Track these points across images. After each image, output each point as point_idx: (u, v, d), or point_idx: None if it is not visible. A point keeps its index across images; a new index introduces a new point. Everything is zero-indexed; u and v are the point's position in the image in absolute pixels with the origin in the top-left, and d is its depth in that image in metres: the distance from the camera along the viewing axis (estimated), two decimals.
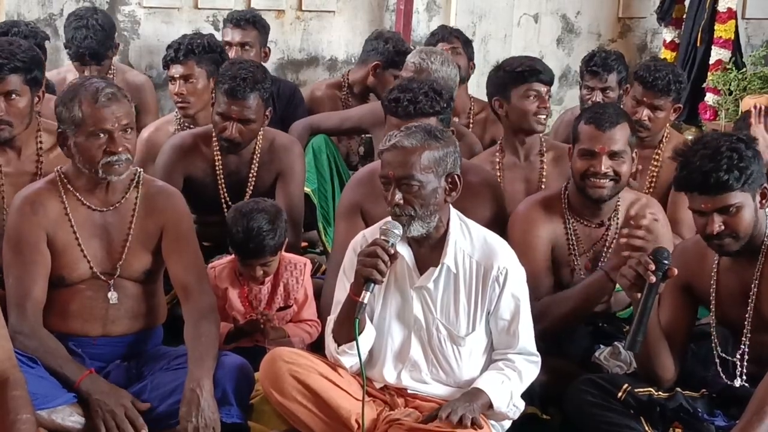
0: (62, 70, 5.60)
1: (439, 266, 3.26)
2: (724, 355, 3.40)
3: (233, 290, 3.94)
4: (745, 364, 3.34)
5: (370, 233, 3.37)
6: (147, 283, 3.52)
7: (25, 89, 3.81)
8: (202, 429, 3.19)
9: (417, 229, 3.22)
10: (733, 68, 7.13)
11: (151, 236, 3.48)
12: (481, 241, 3.32)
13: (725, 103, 7.07)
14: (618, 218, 3.84)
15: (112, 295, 3.45)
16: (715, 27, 7.22)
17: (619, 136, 3.77)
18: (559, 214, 3.88)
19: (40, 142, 3.90)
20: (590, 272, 3.84)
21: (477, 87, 5.80)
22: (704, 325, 3.64)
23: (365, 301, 3.13)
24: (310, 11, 6.65)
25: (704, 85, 7.23)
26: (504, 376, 3.27)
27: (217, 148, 4.39)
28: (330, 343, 3.31)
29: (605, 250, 3.87)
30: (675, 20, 7.57)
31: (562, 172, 4.24)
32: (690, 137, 5.54)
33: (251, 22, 5.63)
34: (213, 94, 4.55)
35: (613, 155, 3.75)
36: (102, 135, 3.30)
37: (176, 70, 4.83)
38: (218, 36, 5.67)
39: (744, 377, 3.35)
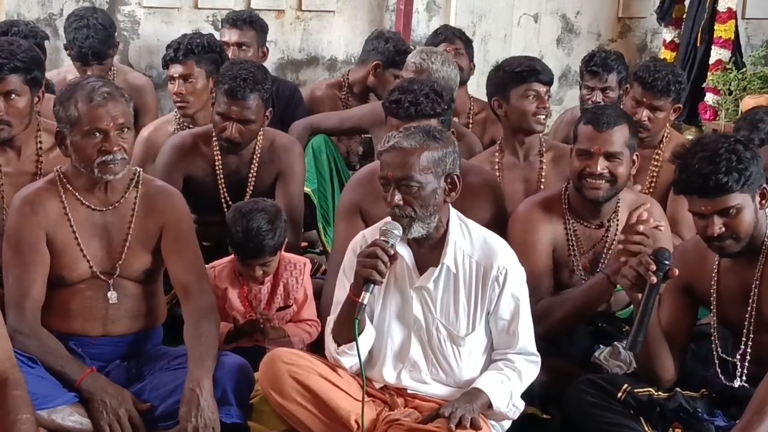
0: (62, 70, 5.60)
1: (439, 266, 3.26)
2: (724, 355, 3.40)
3: (233, 290, 3.94)
4: (746, 364, 3.34)
5: (370, 233, 3.37)
6: (147, 283, 3.52)
7: (25, 89, 3.81)
8: (201, 429, 3.19)
9: (417, 231, 3.22)
10: (733, 68, 7.14)
11: (150, 236, 3.48)
12: (480, 241, 3.32)
13: (725, 103, 7.07)
14: (618, 219, 3.84)
15: (112, 295, 3.45)
16: (715, 27, 7.22)
17: (617, 137, 3.76)
18: (559, 214, 3.88)
19: (40, 142, 3.91)
20: (590, 273, 3.85)
21: (477, 87, 5.80)
22: (704, 325, 3.64)
23: (365, 301, 3.13)
24: (310, 11, 6.65)
25: (704, 85, 7.24)
26: (504, 376, 3.27)
27: (217, 147, 4.39)
28: (330, 343, 3.31)
29: (605, 251, 3.87)
30: (675, 20, 7.57)
31: (562, 172, 4.23)
32: (690, 137, 5.55)
33: (248, 22, 5.63)
34: (212, 94, 4.55)
35: (609, 156, 3.75)
36: (97, 134, 3.30)
37: (175, 69, 4.83)
38: (218, 36, 5.67)
39: (744, 378, 3.35)
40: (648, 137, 4.62)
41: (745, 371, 3.35)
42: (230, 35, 5.60)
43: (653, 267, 3.17)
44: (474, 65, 5.97)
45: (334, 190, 5.06)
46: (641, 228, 3.55)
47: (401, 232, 3.19)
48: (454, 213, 3.34)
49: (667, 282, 3.23)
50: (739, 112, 6.68)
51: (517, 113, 4.33)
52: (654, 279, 3.17)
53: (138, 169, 3.53)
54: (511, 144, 4.43)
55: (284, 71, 6.58)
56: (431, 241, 3.29)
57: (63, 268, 3.40)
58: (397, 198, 3.18)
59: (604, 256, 3.86)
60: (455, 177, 3.27)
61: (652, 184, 4.69)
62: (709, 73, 7.23)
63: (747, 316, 3.33)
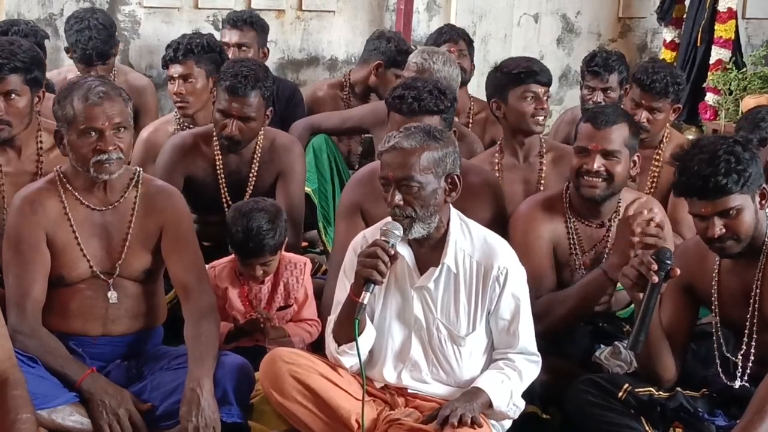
0: (63, 70, 5.60)
1: (440, 266, 3.26)
2: (728, 355, 3.39)
3: (233, 290, 3.94)
4: (748, 364, 3.34)
5: (371, 233, 3.36)
6: (147, 282, 3.52)
7: (25, 89, 3.81)
8: (202, 429, 3.19)
9: (418, 231, 3.22)
10: (734, 68, 7.14)
11: (150, 236, 3.48)
12: (481, 241, 3.31)
13: (725, 102, 7.07)
14: (619, 219, 3.84)
15: (112, 295, 3.45)
16: (716, 27, 7.22)
17: (615, 135, 3.76)
18: (560, 214, 3.88)
19: (41, 141, 3.91)
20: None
21: (477, 87, 5.80)
22: (705, 325, 3.64)
23: (365, 301, 3.13)
24: (310, 11, 6.65)
25: (704, 84, 7.24)
26: (504, 376, 3.27)
27: (218, 147, 4.39)
28: (330, 343, 3.31)
29: (607, 250, 3.86)
30: (675, 20, 7.57)
31: (562, 173, 4.23)
32: (691, 137, 5.55)
33: (249, 23, 5.63)
34: (212, 94, 4.55)
35: (606, 154, 3.75)
36: (93, 133, 3.30)
37: (175, 69, 4.83)
38: (218, 36, 5.67)
39: (746, 378, 3.34)
40: (648, 138, 4.62)
41: (747, 371, 3.34)
42: (231, 36, 5.59)
43: (655, 266, 3.17)
44: (474, 65, 5.97)
45: (334, 189, 5.06)
46: (637, 222, 3.55)
47: (402, 232, 3.19)
48: (454, 213, 3.34)
49: (668, 282, 3.23)
50: (740, 112, 6.69)
51: (515, 114, 4.33)
52: (655, 278, 3.17)
53: (138, 169, 3.53)
54: (511, 145, 4.42)
55: (284, 71, 6.58)
56: (432, 241, 3.29)
57: (63, 267, 3.40)
58: (398, 198, 3.18)
59: (605, 255, 3.85)
60: (456, 177, 3.27)
61: (653, 185, 4.69)
62: (709, 73, 7.23)
63: (748, 316, 3.33)
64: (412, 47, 5.67)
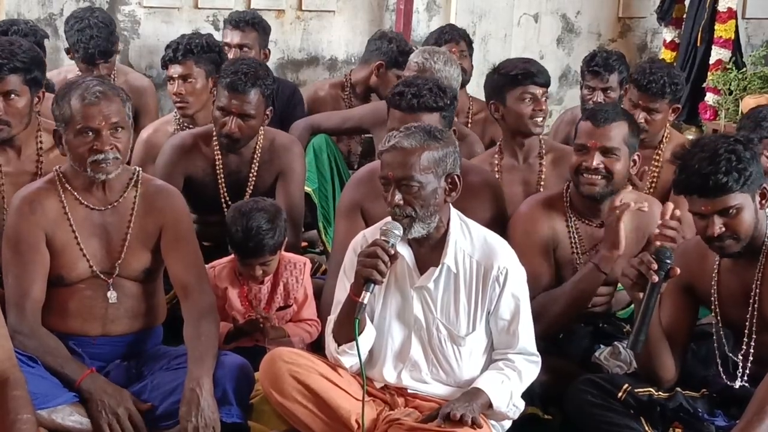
0: (63, 69, 5.60)
1: (440, 266, 3.26)
2: (731, 355, 3.39)
3: (233, 290, 3.94)
4: (748, 364, 3.34)
5: (371, 233, 3.36)
6: (146, 282, 3.52)
7: (25, 89, 3.81)
8: (202, 428, 3.19)
9: (418, 231, 3.22)
10: (733, 68, 7.14)
11: (150, 235, 3.47)
12: (481, 241, 3.31)
13: (725, 102, 7.08)
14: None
15: (112, 295, 3.45)
16: (715, 27, 7.22)
17: (615, 133, 3.77)
18: (561, 213, 3.89)
19: (40, 141, 3.91)
20: None
21: (477, 87, 5.80)
22: (705, 325, 3.64)
23: (365, 301, 3.13)
24: (310, 11, 6.65)
25: (704, 84, 7.24)
26: (504, 376, 3.26)
27: (218, 147, 4.39)
28: (330, 343, 3.31)
29: None
30: (675, 20, 7.57)
31: (562, 174, 4.23)
32: (690, 137, 5.54)
33: (251, 23, 5.62)
34: (212, 94, 4.55)
35: (605, 151, 3.76)
36: (89, 133, 3.30)
37: (175, 69, 4.83)
38: (218, 36, 5.67)
39: (745, 378, 3.34)
40: (647, 138, 4.62)
41: (747, 371, 3.34)
42: (232, 36, 5.59)
43: (655, 266, 3.17)
44: (473, 66, 5.97)
45: (334, 189, 5.06)
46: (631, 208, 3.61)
47: (402, 231, 3.19)
48: (454, 213, 3.34)
49: (668, 281, 3.23)
50: (740, 112, 6.69)
51: (513, 116, 4.32)
52: (655, 278, 3.16)
53: (137, 169, 3.53)
54: (510, 146, 4.42)
55: (284, 71, 6.58)
56: (432, 240, 3.29)
57: (62, 267, 3.40)
58: (398, 198, 3.18)
59: None
60: (456, 177, 3.27)
61: (653, 185, 4.69)
62: (709, 73, 7.23)
63: (748, 316, 3.33)
64: (412, 47, 5.67)
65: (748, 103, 6.59)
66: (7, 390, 2.85)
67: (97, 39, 5.21)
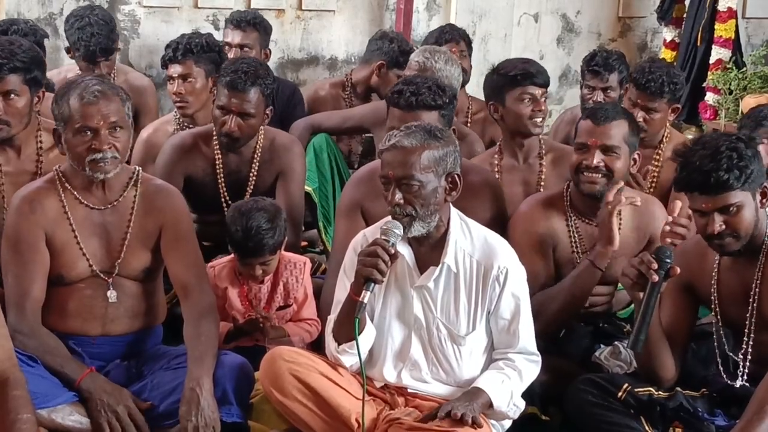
0: (63, 69, 5.60)
1: (440, 265, 3.26)
2: (731, 354, 3.39)
3: (233, 289, 3.93)
4: (747, 364, 3.34)
5: (371, 232, 3.36)
6: (146, 281, 3.52)
7: (24, 89, 3.81)
8: (201, 428, 3.19)
9: (417, 230, 3.22)
10: (734, 67, 7.14)
11: (150, 235, 3.47)
12: (481, 241, 3.31)
13: (725, 102, 7.07)
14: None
15: (112, 294, 3.44)
16: (716, 26, 7.22)
17: (615, 131, 3.77)
18: (561, 212, 3.88)
19: (40, 141, 3.90)
20: None
21: (477, 87, 5.80)
22: (705, 324, 3.64)
23: (365, 300, 3.13)
24: (310, 10, 6.65)
25: (704, 84, 7.24)
26: (504, 376, 3.26)
27: (218, 147, 4.39)
28: (330, 342, 3.30)
29: None
30: (675, 19, 7.57)
31: (561, 174, 4.23)
32: (690, 137, 5.54)
33: (252, 24, 5.62)
34: (212, 93, 4.54)
35: (605, 150, 3.76)
36: (88, 132, 3.30)
37: (175, 69, 4.83)
38: (218, 35, 5.66)
39: (745, 377, 3.34)
40: (647, 138, 4.61)
41: (746, 370, 3.34)
42: (233, 36, 5.59)
43: (655, 265, 3.17)
44: (471, 66, 5.97)
45: (335, 189, 5.06)
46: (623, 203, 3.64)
47: (402, 231, 3.19)
48: (454, 212, 3.34)
49: (667, 281, 3.23)
50: (740, 112, 6.69)
51: (513, 117, 4.31)
52: (655, 277, 3.16)
53: (137, 168, 3.53)
54: (510, 147, 4.41)
55: (284, 71, 6.58)
56: (432, 240, 3.29)
57: (62, 267, 3.40)
58: (398, 197, 3.18)
59: None
60: (456, 176, 3.26)
61: (653, 184, 4.69)
62: (709, 73, 7.23)
63: (748, 315, 3.33)
64: (413, 47, 5.67)
65: (749, 102, 6.58)
66: (7, 389, 2.85)
67: (98, 36, 5.21)
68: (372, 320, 3.30)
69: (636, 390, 3.36)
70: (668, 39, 7.61)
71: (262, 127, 4.39)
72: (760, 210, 3.27)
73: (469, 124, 5.52)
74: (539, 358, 3.35)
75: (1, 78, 3.75)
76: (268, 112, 4.36)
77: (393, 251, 3.16)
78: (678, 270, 3.20)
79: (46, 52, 5.20)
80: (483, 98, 4.72)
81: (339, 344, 3.26)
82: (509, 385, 3.25)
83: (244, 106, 4.23)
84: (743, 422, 3.09)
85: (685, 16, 7.49)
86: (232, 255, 3.94)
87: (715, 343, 3.43)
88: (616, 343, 3.84)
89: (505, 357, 3.31)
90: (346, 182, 4.49)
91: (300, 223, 4.55)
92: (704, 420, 3.31)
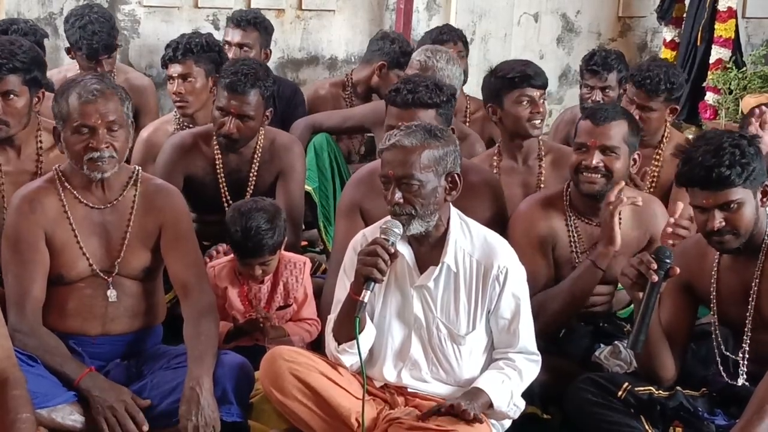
0: (63, 68, 5.60)
1: (440, 265, 3.26)
2: (728, 353, 3.39)
3: (233, 289, 3.93)
4: (747, 363, 3.34)
5: (370, 232, 3.36)
6: (146, 281, 3.52)
7: (24, 89, 3.81)
8: (201, 427, 3.19)
9: (416, 228, 3.22)
10: (734, 67, 7.13)
11: (149, 234, 3.47)
12: (481, 240, 3.31)
13: (725, 102, 7.07)
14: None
15: (111, 293, 3.44)
16: (716, 26, 7.22)
17: (614, 132, 3.77)
18: (560, 212, 3.88)
19: (40, 141, 3.91)
20: None
21: (477, 87, 5.80)
22: (705, 324, 3.64)
23: (365, 300, 3.13)
24: (310, 10, 6.65)
25: (704, 84, 7.23)
26: (504, 376, 3.26)
27: (218, 147, 4.38)
28: (330, 341, 3.30)
29: None
30: (675, 19, 7.57)
31: (561, 175, 4.22)
32: (690, 136, 5.54)
33: (253, 23, 5.62)
34: (212, 93, 4.54)
35: (605, 150, 3.76)
36: (85, 131, 3.30)
37: (174, 69, 4.83)
38: (218, 35, 5.66)
39: (745, 376, 3.34)
40: (646, 137, 4.61)
41: (746, 370, 3.34)
42: (233, 35, 5.59)
43: (654, 265, 3.17)
44: (467, 66, 5.97)
45: (335, 188, 5.06)
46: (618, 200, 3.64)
47: (402, 230, 3.19)
48: (454, 212, 3.34)
49: (667, 281, 3.23)
50: (740, 112, 6.68)
51: (511, 119, 4.31)
52: (655, 277, 3.16)
53: (137, 168, 3.53)
54: (509, 148, 4.40)
55: (284, 70, 6.58)
56: (432, 239, 3.29)
57: (62, 266, 3.40)
58: (398, 196, 3.18)
59: None
60: (456, 176, 3.27)
61: (653, 184, 4.68)
62: (709, 72, 7.23)
63: (747, 314, 3.33)
64: (413, 47, 5.67)
65: (748, 102, 6.57)
66: (6, 389, 2.85)
67: (99, 34, 5.22)
68: (372, 320, 3.30)
69: (636, 389, 3.36)
70: (668, 39, 7.61)
71: (262, 127, 4.39)
72: (760, 209, 3.27)
73: (468, 124, 5.52)
74: (539, 358, 3.35)
75: (1, 78, 3.75)
76: (267, 113, 4.36)
77: (393, 250, 3.16)
78: (677, 270, 3.20)
79: (46, 52, 5.21)
80: (481, 98, 4.72)
81: (339, 344, 3.26)
82: (509, 385, 3.25)
83: (244, 108, 4.23)
84: (743, 421, 3.09)
85: (685, 15, 7.49)
86: (232, 255, 3.93)
87: (715, 343, 3.43)
88: (616, 342, 3.84)
89: (505, 357, 3.31)
90: (346, 182, 4.50)
91: (300, 223, 4.55)
92: (704, 419, 3.31)
